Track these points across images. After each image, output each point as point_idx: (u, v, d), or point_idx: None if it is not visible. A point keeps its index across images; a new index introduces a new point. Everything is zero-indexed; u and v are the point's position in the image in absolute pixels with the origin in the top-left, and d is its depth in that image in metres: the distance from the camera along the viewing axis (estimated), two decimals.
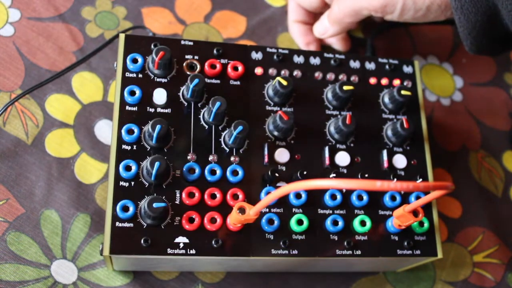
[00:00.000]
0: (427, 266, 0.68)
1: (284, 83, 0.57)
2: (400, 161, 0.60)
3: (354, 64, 0.63)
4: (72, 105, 0.65)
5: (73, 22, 0.69)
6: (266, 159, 0.57)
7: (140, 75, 0.57)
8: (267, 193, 0.55)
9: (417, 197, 0.58)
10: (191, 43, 0.59)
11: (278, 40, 0.75)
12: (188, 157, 0.55)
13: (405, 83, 0.63)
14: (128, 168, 0.53)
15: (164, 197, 0.53)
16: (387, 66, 0.63)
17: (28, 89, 0.61)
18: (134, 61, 0.57)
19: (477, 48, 0.62)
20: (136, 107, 0.55)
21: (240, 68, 0.59)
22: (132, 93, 0.55)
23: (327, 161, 0.58)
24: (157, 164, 0.51)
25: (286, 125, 0.56)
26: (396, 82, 0.63)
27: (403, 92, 0.60)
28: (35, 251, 0.59)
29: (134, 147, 0.54)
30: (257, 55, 0.60)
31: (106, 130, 0.65)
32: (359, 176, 0.58)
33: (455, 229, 0.70)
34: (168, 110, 0.56)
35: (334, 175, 0.58)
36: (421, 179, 0.59)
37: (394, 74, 0.63)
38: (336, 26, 0.67)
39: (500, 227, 0.72)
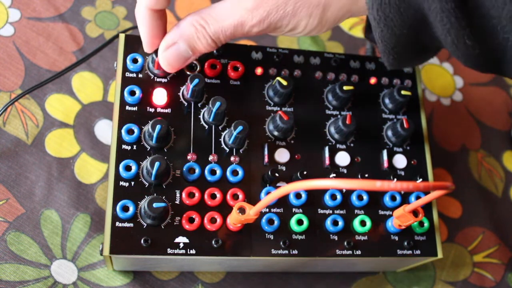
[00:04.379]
0: (427, 266, 0.68)
1: (284, 83, 0.57)
2: (400, 161, 0.60)
3: (354, 64, 0.63)
4: (72, 105, 0.65)
5: (73, 22, 0.69)
6: (266, 159, 0.57)
7: (140, 75, 0.57)
8: (267, 193, 0.55)
9: (417, 197, 0.58)
10: None
11: (278, 40, 0.75)
12: (188, 157, 0.55)
13: (405, 83, 0.63)
14: (128, 168, 0.53)
15: (164, 197, 0.53)
16: None
17: (28, 89, 0.61)
18: (134, 61, 0.57)
19: (399, 62, 0.53)
20: (136, 107, 0.55)
21: (240, 68, 0.59)
22: (132, 93, 0.55)
23: (327, 161, 0.58)
24: (157, 164, 0.51)
25: (286, 125, 0.56)
26: (396, 82, 0.63)
27: (403, 92, 0.60)
28: (35, 251, 0.59)
29: (134, 147, 0.54)
30: (257, 55, 0.60)
31: (106, 130, 0.65)
32: (359, 176, 0.58)
33: (455, 229, 0.70)
34: (168, 110, 0.56)
35: (334, 175, 0.58)
36: (421, 179, 0.59)
37: (394, 74, 0.63)
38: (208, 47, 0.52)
39: (500, 227, 0.72)
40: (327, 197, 0.56)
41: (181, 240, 0.52)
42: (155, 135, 0.53)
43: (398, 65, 0.54)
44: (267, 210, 0.55)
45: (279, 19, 0.50)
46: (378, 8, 0.48)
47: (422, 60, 0.56)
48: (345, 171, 0.58)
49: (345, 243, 0.56)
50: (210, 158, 0.56)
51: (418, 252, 0.57)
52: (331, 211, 0.57)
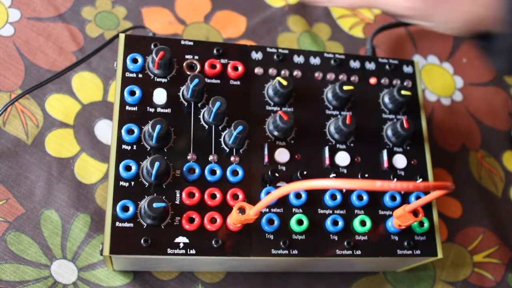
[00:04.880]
0: (427, 266, 0.68)
1: (284, 83, 0.57)
2: (400, 161, 0.60)
3: (354, 64, 0.63)
4: (72, 105, 0.65)
5: (73, 22, 0.69)
6: (266, 159, 0.57)
7: (140, 75, 0.57)
8: (267, 193, 0.55)
9: (417, 197, 0.58)
10: (191, 43, 0.59)
11: (278, 40, 0.75)
12: (188, 157, 0.55)
13: (405, 83, 0.63)
14: (128, 168, 0.53)
15: (164, 197, 0.53)
16: (387, 66, 0.63)
17: (28, 89, 0.61)
18: (134, 61, 0.57)
19: None
20: (136, 107, 0.55)
21: (240, 68, 0.59)
22: (132, 93, 0.55)
23: (327, 161, 0.58)
24: (157, 164, 0.51)
25: (286, 125, 0.56)
26: (396, 82, 0.63)
27: (403, 92, 0.60)
28: (35, 251, 0.59)
29: (134, 147, 0.54)
30: (257, 55, 0.60)
31: (106, 130, 0.65)
32: (359, 176, 0.58)
33: (455, 229, 0.70)
34: (168, 110, 0.56)
35: (334, 175, 0.58)
36: (421, 179, 0.59)
37: (394, 74, 0.63)
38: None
39: (500, 227, 0.72)
40: (327, 197, 0.56)
41: (181, 240, 0.52)
42: (155, 135, 0.53)
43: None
44: (267, 210, 0.55)
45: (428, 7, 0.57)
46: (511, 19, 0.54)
47: None
48: (345, 171, 0.58)
49: (345, 243, 0.56)
50: (210, 158, 0.56)
51: (418, 252, 0.57)
52: (331, 211, 0.57)
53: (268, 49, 0.61)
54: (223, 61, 0.59)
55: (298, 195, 0.56)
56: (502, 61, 0.60)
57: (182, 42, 0.59)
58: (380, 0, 0.59)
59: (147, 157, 0.54)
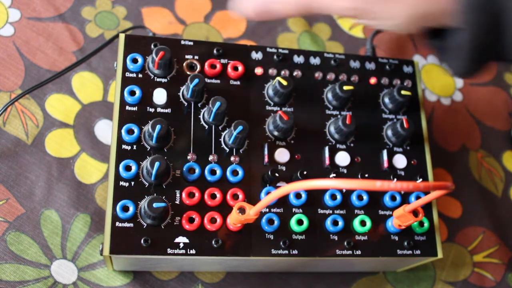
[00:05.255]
0: (427, 266, 0.68)
1: (284, 83, 0.57)
2: (400, 161, 0.60)
3: (354, 64, 0.63)
4: (72, 105, 0.65)
5: (73, 22, 0.69)
6: (266, 159, 0.57)
7: (140, 75, 0.57)
8: (267, 193, 0.55)
9: (417, 197, 0.58)
10: (191, 43, 0.59)
11: (278, 40, 0.75)
12: (188, 157, 0.55)
13: (405, 83, 0.63)
14: (128, 168, 0.53)
15: (164, 197, 0.53)
16: (387, 66, 0.63)
17: (28, 89, 0.61)
18: (134, 61, 0.57)
19: (472, 69, 0.54)
20: (136, 107, 0.55)
21: (240, 68, 0.59)
22: (132, 93, 0.55)
23: (327, 161, 0.58)
24: (157, 164, 0.51)
25: (286, 125, 0.56)
26: (396, 82, 0.63)
27: (403, 92, 0.60)
28: (35, 251, 0.59)
29: (134, 147, 0.54)
30: (257, 55, 0.60)
31: (106, 130, 0.65)
32: (359, 176, 0.58)
33: (455, 229, 0.70)
34: (168, 110, 0.56)
35: (334, 175, 0.58)
36: (421, 179, 0.59)
37: (394, 74, 0.63)
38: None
39: (500, 227, 0.72)
40: (327, 197, 0.56)
41: (181, 240, 0.52)
42: (155, 135, 0.53)
43: (470, 72, 0.54)
44: (267, 210, 0.55)
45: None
46: (467, 11, 0.49)
47: (481, 71, 0.56)
48: (345, 171, 0.58)
49: (345, 243, 0.56)
50: (210, 158, 0.56)
51: (418, 252, 0.57)
52: (331, 211, 0.57)
53: (268, 49, 0.61)
54: (223, 61, 0.59)
55: (298, 195, 0.56)
56: (457, 62, 0.54)
57: (182, 42, 0.59)
58: (321, 5, 0.54)
59: (147, 157, 0.54)
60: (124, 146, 0.54)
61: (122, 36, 0.58)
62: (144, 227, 0.52)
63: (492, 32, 0.51)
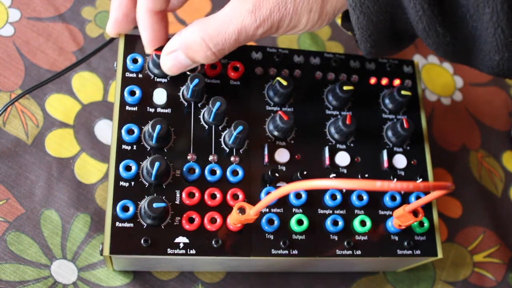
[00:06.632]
0: (427, 266, 0.68)
1: (284, 83, 0.57)
2: (400, 161, 0.60)
3: (354, 64, 0.63)
4: (72, 105, 0.65)
5: (73, 22, 0.69)
6: (266, 159, 0.57)
7: (140, 75, 0.57)
8: (267, 193, 0.55)
9: (417, 197, 0.58)
10: None
11: (278, 40, 0.75)
12: (188, 157, 0.55)
13: (405, 83, 0.63)
14: (128, 168, 0.53)
15: (164, 197, 0.53)
16: (387, 66, 0.63)
17: (28, 89, 0.61)
18: (134, 61, 0.57)
19: (376, 50, 0.52)
20: (136, 107, 0.55)
21: (240, 68, 0.59)
22: (132, 93, 0.55)
23: (327, 161, 0.58)
24: (157, 164, 0.51)
25: (286, 125, 0.56)
26: (396, 82, 0.63)
27: (403, 92, 0.60)
28: (35, 251, 0.59)
29: (134, 147, 0.54)
30: (257, 55, 0.60)
31: (106, 130, 0.65)
32: (359, 176, 0.58)
33: (455, 229, 0.70)
34: (168, 110, 0.56)
35: (334, 175, 0.58)
36: (421, 179, 0.59)
37: (394, 74, 0.63)
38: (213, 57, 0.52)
39: (500, 227, 0.72)
40: (327, 197, 0.56)
41: (181, 240, 0.52)
42: (155, 135, 0.53)
43: (375, 53, 0.53)
44: (267, 210, 0.55)
45: (281, 18, 0.50)
46: None
47: (398, 49, 0.55)
48: (345, 171, 0.58)
49: (345, 243, 0.56)
50: (210, 158, 0.56)
51: (418, 252, 0.57)
52: (331, 211, 0.57)
53: (268, 49, 0.61)
54: (223, 61, 0.59)
55: (298, 195, 0.56)
56: (363, 42, 0.51)
57: None
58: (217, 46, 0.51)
59: (147, 157, 0.54)
60: (124, 146, 0.54)
61: (122, 36, 0.58)
62: (144, 227, 0.52)
63: (384, 9, 0.49)
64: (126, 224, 0.52)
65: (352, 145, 0.59)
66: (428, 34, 0.47)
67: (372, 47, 0.52)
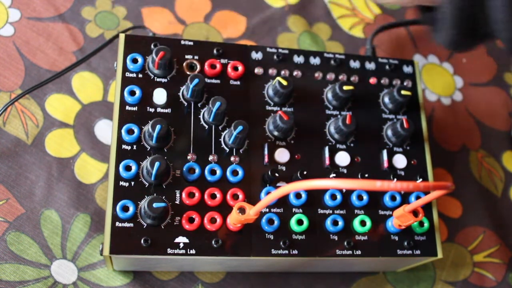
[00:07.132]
0: (427, 266, 0.68)
1: (284, 83, 0.57)
2: (400, 161, 0.60)
3: (354, 64, 0.63)
4: (72, 105, 0.65)
5: (73, 22, 0.69)
6: (266, 159, 0.57)
7: (140, 75, 0.57)
8: (267, 193, 0.55)
9: (417, 197, 0.58)
10: (191, 43, 0.59)
11: (278, 40, 0.75)
12: (188, 157, 0.55)
13: (405, 83, 0.63)
14: (128, 168, 0.53)
15: (164, 197, 0.53)
16: (387, 66, 0.63)
17: (28, 89, 0.61)
18: (134, 61, 0.57)
19: (455, 41, 0.58)
20: (136, 107, 0.55)
21: (240, 68, 0.59)
22: (132, 93, 0.55)
23: (327, 161, 0.58)
24: (157, 164, 0.51)
25: (286, 125, 0.56)
26: (396, 82, 0.63)
27: (403, 92, 0.60)
28: (35, 251, 0.59)
29: (134, 147, 0.54)
30: (257, 55, 0.60)
31: (106, 130, 0.65)
32: (359, 176, 0.58)
33: (455, 229, 0.70)
34: (168, 110, 0.56)
35: (334, 175, 0.58)
36: (421, 179, 0.59)
37: (394, 74, 0.63)
38: None
39: (500, 226, 0.72)
40: (327, 197, 0.56)
41: (181, 240, 0.52)
42: (155, 135, 0.53)
43: (456, 43, 0.57)
44: (267, 210, 0.55)
45: None
46: None
47: (475, 44, 0.59)
48: (345, 171, 0.58)
49: (345, 243, 0.56)
50: (210, 158, 0.56)
51: (418, 252, 0.57)
52: (331, 211, 0.57)
53: (268, 49, 0.61)
54: (223, 61, 0.59)
55: (298, 195, 0.56)
56: (442, 31, 0.57)
57: (182, 42, 0.59)
58: None
59: (147, 157, 0.54)
60: (124, 146, 0.54)
61: (122, 36, 0.58)
62: (144, 227, 0.52)
63: (473, 2, 0.54)
64: (126, 224, 0.52)
65: (352, 145, 0.59)
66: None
67: (452, 35, 0.56)
